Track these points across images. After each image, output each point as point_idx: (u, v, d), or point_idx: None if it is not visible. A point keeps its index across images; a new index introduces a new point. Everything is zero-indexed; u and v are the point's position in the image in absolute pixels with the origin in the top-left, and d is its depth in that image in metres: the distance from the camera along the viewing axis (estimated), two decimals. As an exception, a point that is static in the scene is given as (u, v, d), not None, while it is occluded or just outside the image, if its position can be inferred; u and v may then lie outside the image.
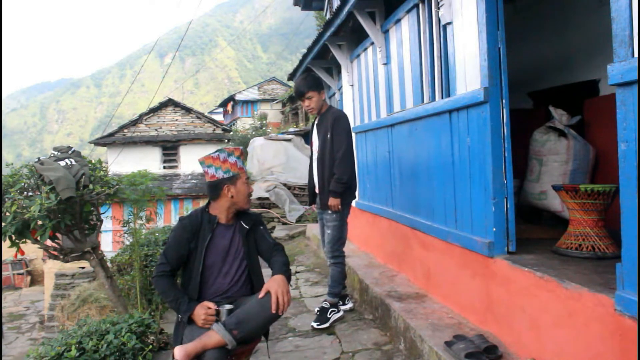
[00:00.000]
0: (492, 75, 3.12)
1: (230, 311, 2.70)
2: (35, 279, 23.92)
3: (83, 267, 14.25)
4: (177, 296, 2.71)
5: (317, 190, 4.41)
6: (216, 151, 2.89)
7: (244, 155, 3.00)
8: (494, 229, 3.16)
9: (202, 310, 2.64)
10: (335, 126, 4.21)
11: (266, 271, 2.90)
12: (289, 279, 2.82)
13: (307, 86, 4.24)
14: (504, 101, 3.13)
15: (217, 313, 2.68)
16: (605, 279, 2.47)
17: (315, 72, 7.87)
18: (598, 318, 2.24)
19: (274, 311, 2.62)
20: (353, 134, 6.59)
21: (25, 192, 4.21)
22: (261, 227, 3.02)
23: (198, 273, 2.79)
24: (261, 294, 2.68)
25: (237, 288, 2.88)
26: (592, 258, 2.99)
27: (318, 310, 4.40)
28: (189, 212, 2.97)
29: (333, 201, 4.17)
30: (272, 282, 2.71)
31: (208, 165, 2.87)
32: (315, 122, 4.45)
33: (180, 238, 2.80)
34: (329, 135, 4.20)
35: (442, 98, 3.85)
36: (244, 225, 2.94)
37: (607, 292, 2.22)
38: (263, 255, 3.00)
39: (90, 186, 4.23)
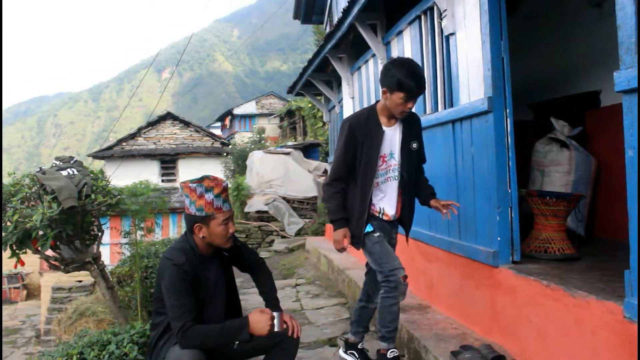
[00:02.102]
0: (496, 85, 3.14)
1: (280, 316, 2.59)
2: (31, 292, 23.74)
3: (80, 281, 14.20)
4: (218, 328, 2.44)
5: (390, 215, 3.18)
6: (196, 181, 2.54)
7: (226, 192, 2.61)
8: (499, 239, 3.16)
9: (264, 316, 2.46)
10: (421, 133, 3.23)
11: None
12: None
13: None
14: (507, 111, 3.14)
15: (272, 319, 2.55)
16: (612, 286, 2.46)
17: (316, 84, 7.92)
18: (606, 326, 2.23)
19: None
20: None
21: (26, 202, 4.19)
22: (238, 244, 2.85)
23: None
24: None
25: (227, 317, 2.73)
26: (561, 260, 3.26)
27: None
28: (175, 249, 2.59)
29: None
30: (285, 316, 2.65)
31: (185, 195, 2.54)
32: (395, 127, 3.07)
33: (188, 285, 2.49)
34: (415, 145, 3.12)
35: (445, 108, 3.87)
36: (224, 253, 2.76)
37: (615, 300, 2.21)
38: (244, 270, 2.92)
39: (92, 196, 4.22)
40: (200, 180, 2.53)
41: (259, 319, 2.44)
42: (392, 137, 3.07)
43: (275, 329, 2.50)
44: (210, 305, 2.67)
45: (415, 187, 3.22)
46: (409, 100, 2.86)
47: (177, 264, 2.47)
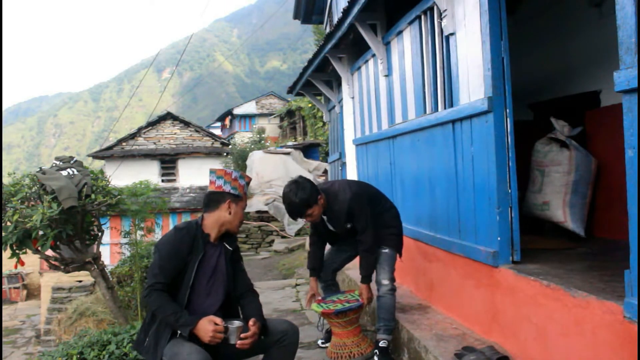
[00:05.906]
0: (496, 84, 3.13)
1: (238, 329, 2.53)
2: (32, 292, 23.76)
3: (80, 281, 14.21)
4: (176, 310, 2.53)
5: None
6: (231, 169, 2.84)
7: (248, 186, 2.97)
8: (499, 239, 3.15)
9: (211, 326, 2.48)
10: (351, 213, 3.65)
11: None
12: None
13: (306, 205, 3.46)
14: (507, 110, 3.14)
15: (226, 330, 2.51)
16: (612, 286, 2.46)
17: (316, 84, 7.92)
18: (606, 326, 2.23)
19: None
20: (353, 147, 6.64)
21: (26, 202, 4.19)
22: (241, 260, 2.97)
23: (186, 292, 2.65)
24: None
25: (223, 312, 2.76)
26: None
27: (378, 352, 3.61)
28: (183, 222, 2.84)
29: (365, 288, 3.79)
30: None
31: (218, 177, 2.79)
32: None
33: (177, 249, 2.64)
34: (349, 226, 3.69)
35: (444, 108, 3.87)
36: (228, 246, 2.84)
37: (616, 300, 2.21)
38: (234, 288, 2.90)
39: (92, 196, 4.22)
40: (231, 169, 2.87)
41: (204, 328, 2.50)
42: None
43: (231, 342, 2.53)
44: (210, 294, 2.75)
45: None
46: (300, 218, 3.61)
47: (177, 227, 2.76)
